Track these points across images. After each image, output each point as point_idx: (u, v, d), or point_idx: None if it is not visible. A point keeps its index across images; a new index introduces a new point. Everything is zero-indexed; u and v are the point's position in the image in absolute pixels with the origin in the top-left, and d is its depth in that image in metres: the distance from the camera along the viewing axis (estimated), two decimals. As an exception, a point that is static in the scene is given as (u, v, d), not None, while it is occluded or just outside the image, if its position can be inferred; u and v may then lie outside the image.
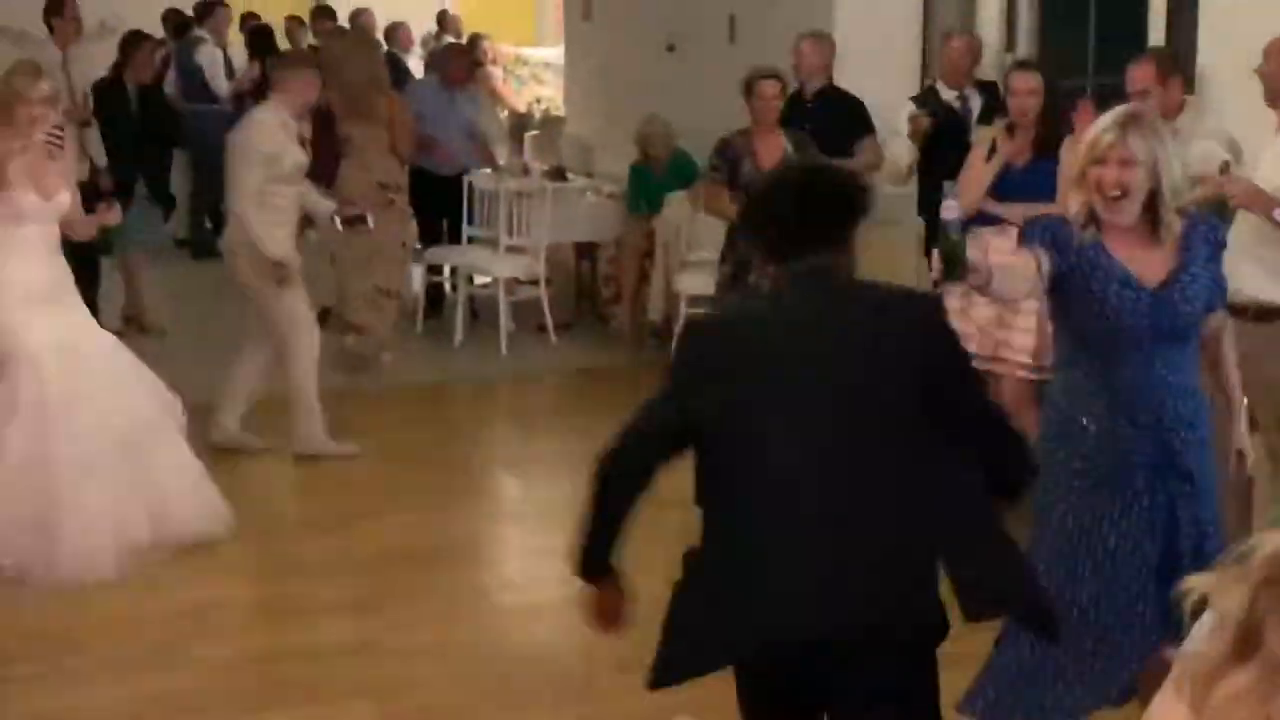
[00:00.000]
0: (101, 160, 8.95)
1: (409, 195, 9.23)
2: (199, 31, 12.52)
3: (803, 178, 3.41)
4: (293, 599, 5.74)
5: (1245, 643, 1.61)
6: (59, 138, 5.93)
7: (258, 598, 5.87)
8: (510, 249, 9.43)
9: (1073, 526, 3.74)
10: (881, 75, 8.22)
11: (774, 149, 6.92)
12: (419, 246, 10.10)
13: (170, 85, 12.21)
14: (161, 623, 5.40)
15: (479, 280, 9.83)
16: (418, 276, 10.21)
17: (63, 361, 5.79)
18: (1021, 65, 6.50)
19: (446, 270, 10.10)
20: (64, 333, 5.86)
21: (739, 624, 3.06)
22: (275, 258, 6.89)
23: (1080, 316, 3.74)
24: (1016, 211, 5.94)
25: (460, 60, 10.48)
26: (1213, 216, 4.26)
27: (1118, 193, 3.60)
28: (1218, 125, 5.87)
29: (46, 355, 5.76)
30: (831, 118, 7.62)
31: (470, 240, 9.83)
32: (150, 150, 9.66)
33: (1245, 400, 4.28)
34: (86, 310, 6.19)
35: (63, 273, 5.98)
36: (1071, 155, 5.98)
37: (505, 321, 9.29)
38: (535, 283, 9.53)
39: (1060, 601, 3.59)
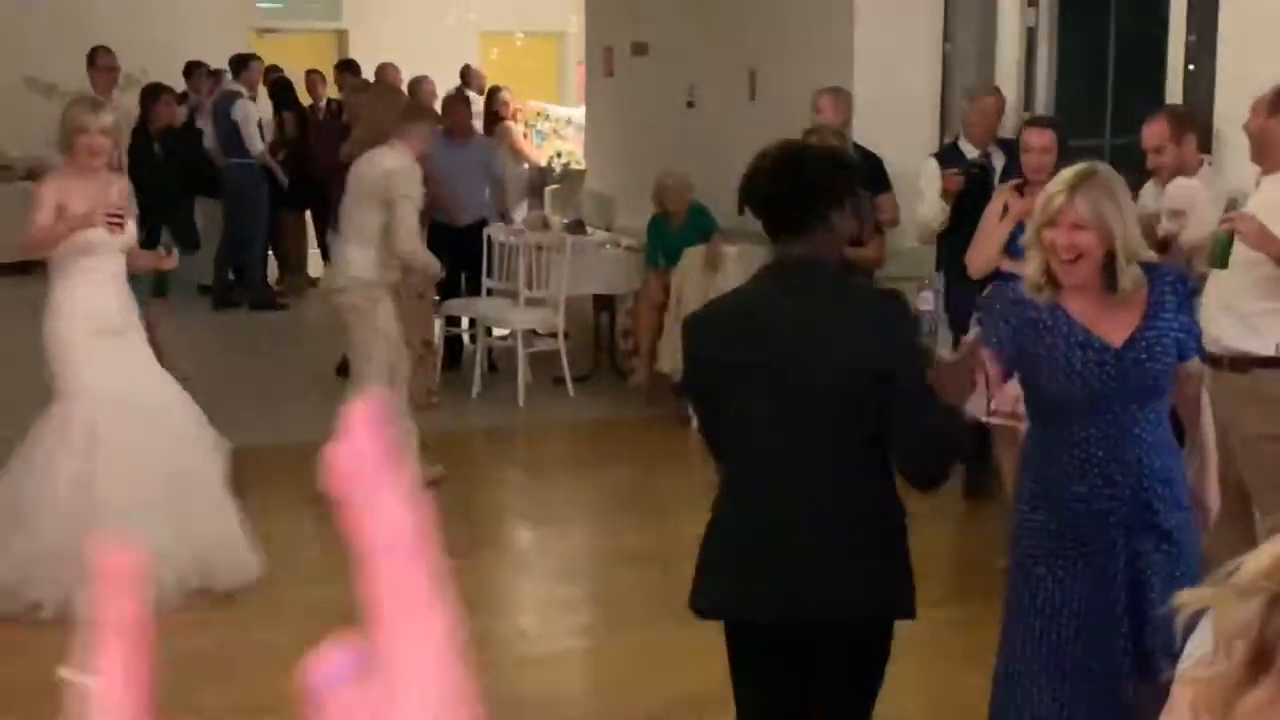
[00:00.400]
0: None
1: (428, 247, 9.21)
2: (235, 86, 12.69)
3: (781, 158, 3.66)
4: (305, 646, 5.67)
5: (1258, 660, 1.57)
6: (119, 218, 5.84)
7: (269, 643, 5.83)
8: (529, 301, 9.44)
9: (1052, 586, 3.68)
10: (899, 131, 8.23)
11: None
12: (437, 298, 10.13)
13: (209, 139, 12.40)
14: (170, 667, 5.36)
15: (497, 332, 9.84)
16: (436, 328, 10.23)
17: (117, 397, 5.81)
18: (1035, 122, 6.53)
19: (465, 322, 10.12)
20: (124, 367, 5.89)
21: (716, 593, 3.58)
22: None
23: (1045, 382, 3.71)
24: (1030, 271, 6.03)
25: (459, 110, 10.45)
26: (1179, 265, 4.37)
27: (1070, 256, 3.58)
28: (1231, 185, 5.88)
29: (102, 389, 5.78)
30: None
31: (489, 292, 9.84)
32: (173, 196, 9.74)
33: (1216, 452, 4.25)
34: (148, 346, 6.16)
35: (128, 305, 6.00)
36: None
37: (523, 373, 9.27)
38: (554, 335, 9.53)
39: (1034, 661, 3.66)
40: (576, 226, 10.23)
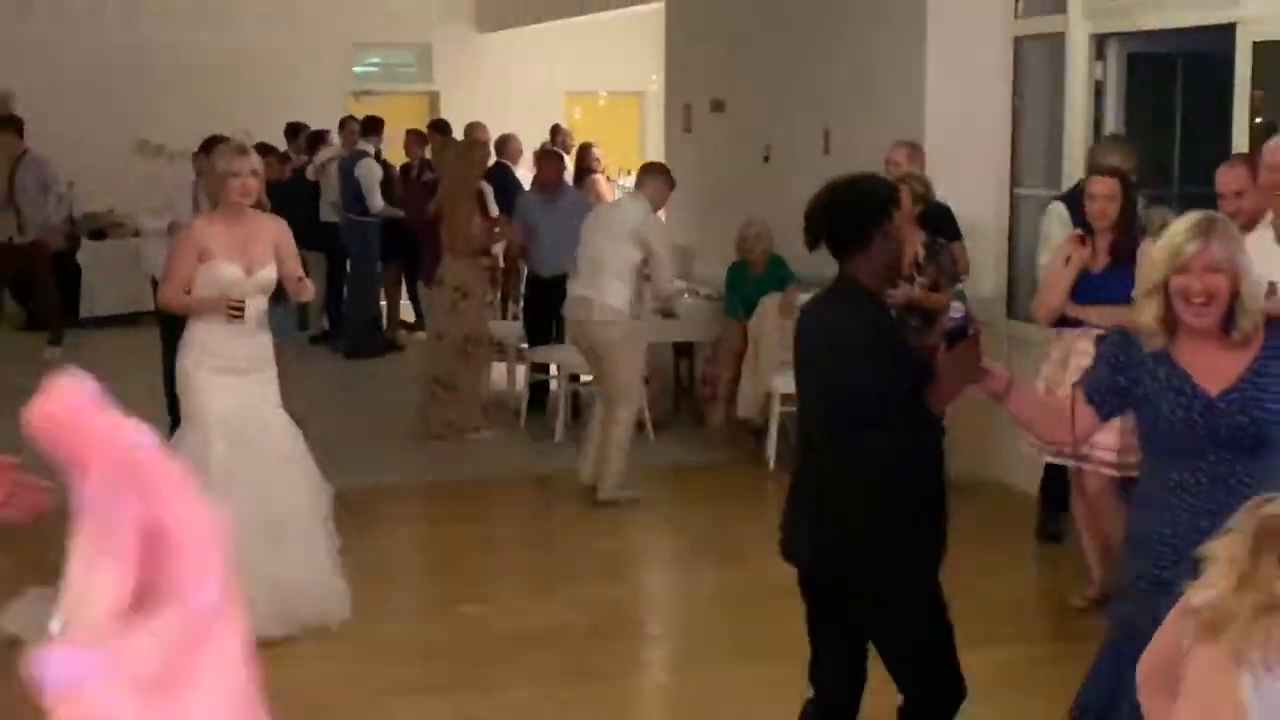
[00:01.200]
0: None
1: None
2: (364, 145, 12.89)
3: (824, 193, 4.09)
4: (392, 680, 5.76)
5: (1245, 577, 1.79)
6: (239, 309, 5.82)
7: (359, 675, 5.87)
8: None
9: (1138, 622, 3.55)
10: (969, 184, 8.23)
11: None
12: (524, 345, 10.22)
13: (331, 193, 12.66)
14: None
15: (582, 378, 9.82)
16: (522, 374, 10.31)
17: (234, 438, 5.83)
18: (1098, 170, 6.44)
19: (553, 368, 10.11)
20: (246, 409, 5.91)
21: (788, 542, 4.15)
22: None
23: (1147, 426, 3.71)
24: (1094, 314, 6.00)
25: (551, 165, 10.59)
26: None
27: (1203, 299, 3.52)
28: None
29: (221, 428, 5.82)
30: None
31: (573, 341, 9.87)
32: None
33: None
34: (276, 388, 6.14)
35: (262, 347, 6.03)
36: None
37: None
38: None
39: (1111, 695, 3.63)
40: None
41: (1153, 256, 3.75)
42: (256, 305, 5.87)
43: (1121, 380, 3.68)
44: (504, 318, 11.04)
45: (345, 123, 13.44)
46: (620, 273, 7.89)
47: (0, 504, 3.10)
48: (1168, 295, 3.56)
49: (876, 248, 3.96)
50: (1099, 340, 5.91)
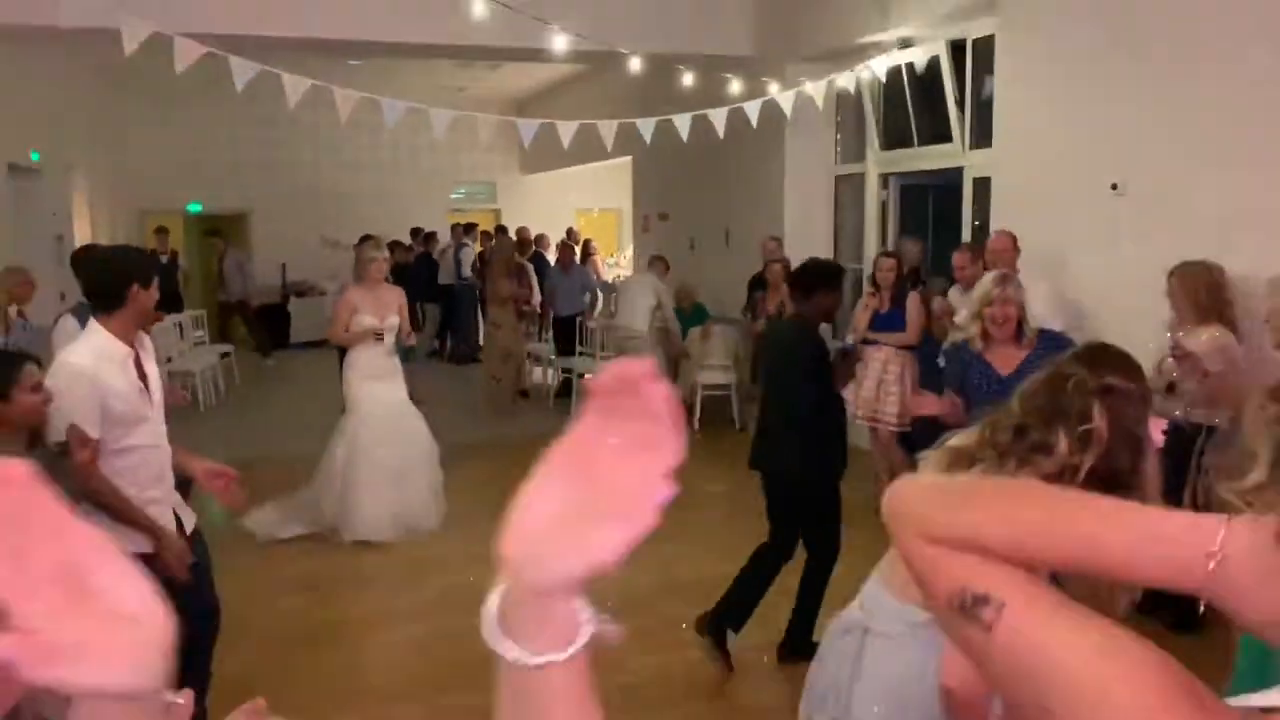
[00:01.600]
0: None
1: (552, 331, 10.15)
2: (466, 239, 12.97)
3: (805, 264, 4.34)
4: (474, 552, 5.71)
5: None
6: (381, 335, 5.81)
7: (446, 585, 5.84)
8: (603, 358, 9.45)
9: None
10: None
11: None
12: (553, 356, 10.21)
13: (447, 267, 12.73)
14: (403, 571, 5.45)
15: (588, 376, 9.80)
16: (553, 374, 10.29)
17: (377, 415, 5.79)
18: (885, 254, 6.49)
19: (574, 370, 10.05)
20: (384, 398, 5.84)
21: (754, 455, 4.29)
22: None
23: (967, 394, 3.66)
24: (882, 338, 6.05)
25: (567, 251, 10.64)
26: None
27: (1003, 320, 3.60)
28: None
29: (369, 411, 5.79)
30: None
31: (582, 353, 9.89)
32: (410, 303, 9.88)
33: None
34: (403, 387, 6.01)
35: (391, 363, 5.89)
36: (915, 305, 6.01)
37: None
38: None
39: None
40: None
41: (973, 296, 3.78)
42: (386, 341, 5.82)
43: (958, 371, 3.72)
44: (540, 341, 10.94)
45: (454, 227, 13.47)
46: (643, 312, 8.64)
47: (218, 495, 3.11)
48: (984, 320, 3.63)
49: (819, 298, 4.12)
50: (887, 353, 5.97)
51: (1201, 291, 4.36)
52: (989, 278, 3.77)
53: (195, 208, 14.68)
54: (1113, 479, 1.73)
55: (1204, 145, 4.65)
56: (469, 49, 7.67)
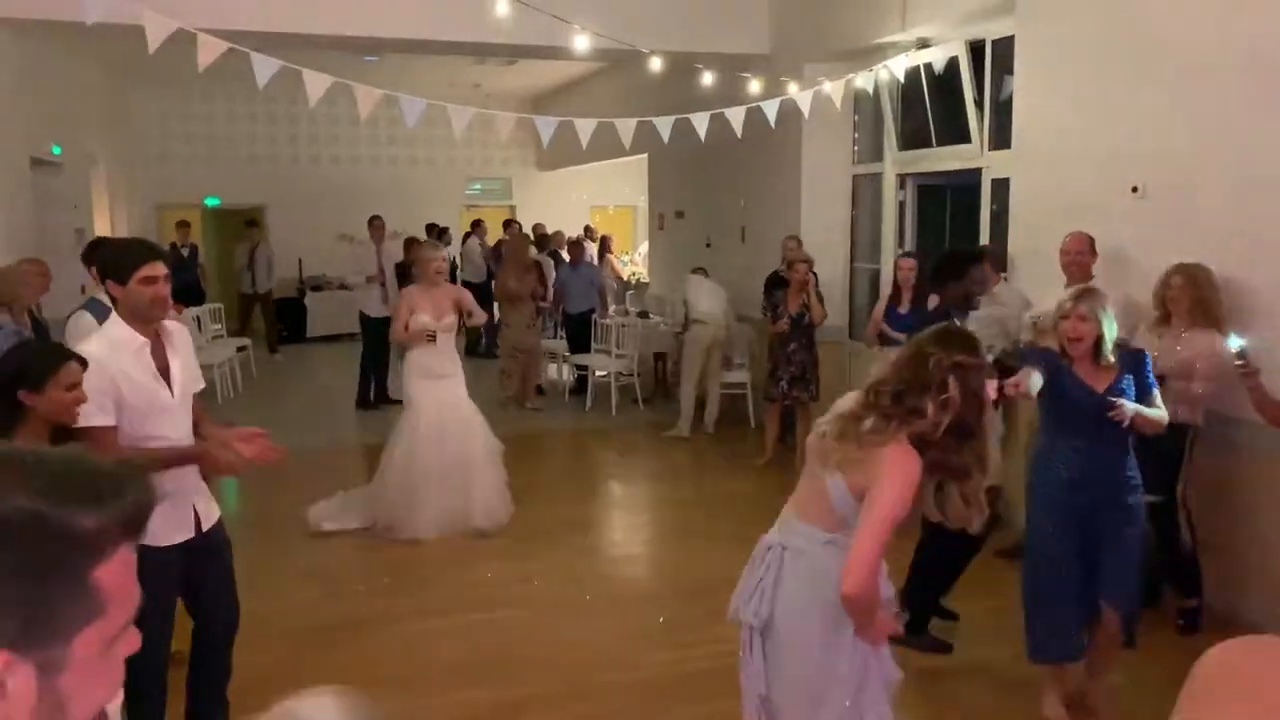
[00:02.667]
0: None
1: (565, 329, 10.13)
2: (474, 235, 12.99)
3: (940, 254, 4.57)
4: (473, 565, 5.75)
5: None
6: (434, 337, 5.80)
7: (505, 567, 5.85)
8: (617, 355, 9.48)
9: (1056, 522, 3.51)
10: (828, 258, 8.12)
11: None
12: (567, 354, 10.23)
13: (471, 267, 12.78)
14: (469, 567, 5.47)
15: (600, 372, 9.82)
16: (568, 370, 10.31)
17: (437, 413, 5.79)
18: (905, 254, 6.48)
19: (588, 367, 10.06)
20: (442, 396, 5.82)
21: None
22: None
23: (1057, 398, 3.49)
24: (902, 338, 5.98)
25: (578, 248, 10.61)
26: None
27: (1078, 338, 3.39)
28: (1018, 289, 5.81)
29: (428, 408, 5.78)
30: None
31: (596, 350, 9.90)
32: None
33: None
34: (463, 385, 5.94)
35: (450, 361, 5.86)
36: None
37: (614, 396, 9.33)
38: (631, 374, 9.54)
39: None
40: (643, 314, 10.30)
41: (1053, 309, 3.55)
42: (445, 338, 5.81)
43: (1041, 368, 3.43)
44: (555, 338, 10.95)
45: (479, 224, 13.62)
46: (724, 304, 8.45)
47: (252, 457, 3.04)
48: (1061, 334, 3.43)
49: (950, 289, 4.35)
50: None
51: (1206, 289, 4.36)
52: (1069, 293, 3.53)
53: (213, 201, 14.75)
54: (963, 431, 2.36)
55: (1225, 148, 4.62)
56: (491, 46, 7.68)
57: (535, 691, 3.94)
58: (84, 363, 2.85)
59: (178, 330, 3.20)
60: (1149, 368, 3.53)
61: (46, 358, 2.83)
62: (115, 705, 0.69)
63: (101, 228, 10.37)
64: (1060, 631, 3.55)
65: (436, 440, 5.72)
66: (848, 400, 2.48)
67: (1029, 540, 3.67)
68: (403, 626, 4.60)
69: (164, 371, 3.07)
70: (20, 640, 0.72)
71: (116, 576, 0.77)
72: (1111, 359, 3.42)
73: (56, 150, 8.87)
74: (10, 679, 0.71)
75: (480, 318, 6.22)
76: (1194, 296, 4.40)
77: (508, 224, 13.20)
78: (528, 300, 9.43)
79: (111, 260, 3.07)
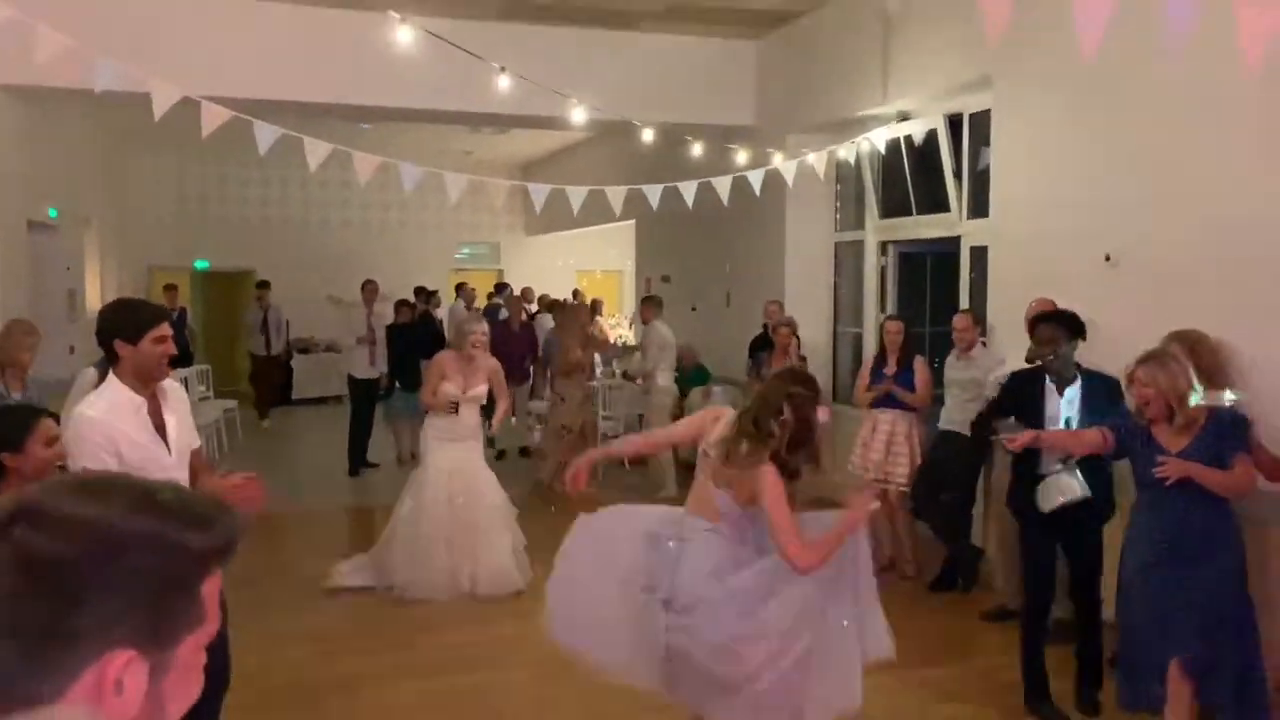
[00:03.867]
0: (384, 368, 9.28)
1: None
2: (498, 300, 12.68)
3: (1046, 315, 4.37)
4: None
5: None
6: (456, 407, 5.78)
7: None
8: (604, 418, 9.49)
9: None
10: (812, 322, 8.24)
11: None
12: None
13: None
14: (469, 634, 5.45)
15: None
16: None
17: (452, 473, 5.78)
18: (891, 318, 6.56)
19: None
20: (458, 457, 5.81)
21: None
22: None
23: (1133, 462, 3.62)
24: (900, 394, 6.06)
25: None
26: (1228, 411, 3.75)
27: (1143, 402, 3.51)
28: (995, 353, 5.89)
29: (443, 468, 5.77)
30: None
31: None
32: (410, 359, 9.84)
33: None
34: (479, 447, 5.96)
35: (469, 428, 5.86)
36: (922, 368, 6.04)
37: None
38: (618, 436, 9.48)
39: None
40: (628, 377, 10.25)
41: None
42: (469, 408, 5.83)
43: (1120, 430, 3.63)
44: (540, 399, 10.83)
45: (459, 286, 13.40)
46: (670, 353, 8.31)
47: (237, 503, 3.14)
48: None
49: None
50: (894, 416, 5.99)
51: (1205, 357, 4.27)
52: (1138, 358, 3.60)
53: (202, 265, 14.86)
54: (799, 445, 3.16)
55: (1195, 218, 4.80)
56: (491, 117, 7.90)
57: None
58: (55, 417, 2.91)
59: (173, 389, 3.25)
60: (1232, 426, 3.53)
61: (21, 417, 2.88)
62: None
63: (93, 289, 10.45)
64: (1144, 680, 3.59)
65: (445, 500, 5.71)
66: (723, 425, 3.25)
67: (1121, 592, 3.74)
68: (395, 686, 4.58)
69: (160, 430, 3.13)
70: (143, 642, 0.83)
71: (212, 592, 0.88)
72: (1191, 415, 3.47)
73: (53, 213, 8.98)
74: (128, 678, 0.81)
75: (504, 409, 6.07)
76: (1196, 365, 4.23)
77: (500, 287, 13.27)
78: (587, 372, 8.66)
79: (126, 319, 3.14)
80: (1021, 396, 4.19)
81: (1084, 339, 4.23)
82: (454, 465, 5.78)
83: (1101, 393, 4.09)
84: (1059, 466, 3.95)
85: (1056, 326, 4.17)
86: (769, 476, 3.07)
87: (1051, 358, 4.15)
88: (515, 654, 4.93)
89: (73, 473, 0.99)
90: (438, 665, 4.81)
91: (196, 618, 0.87)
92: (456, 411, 5.76)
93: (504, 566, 5.80)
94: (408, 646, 5.07)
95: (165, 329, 3.09)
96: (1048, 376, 4.16)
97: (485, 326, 6.10)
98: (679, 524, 3.30)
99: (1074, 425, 4.05)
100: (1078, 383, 4.15)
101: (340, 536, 6.64)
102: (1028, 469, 4.09)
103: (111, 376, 3.12)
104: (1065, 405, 4.13)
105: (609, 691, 4.51)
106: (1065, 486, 3.92)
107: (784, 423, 3.12)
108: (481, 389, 5.85)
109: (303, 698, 4.41)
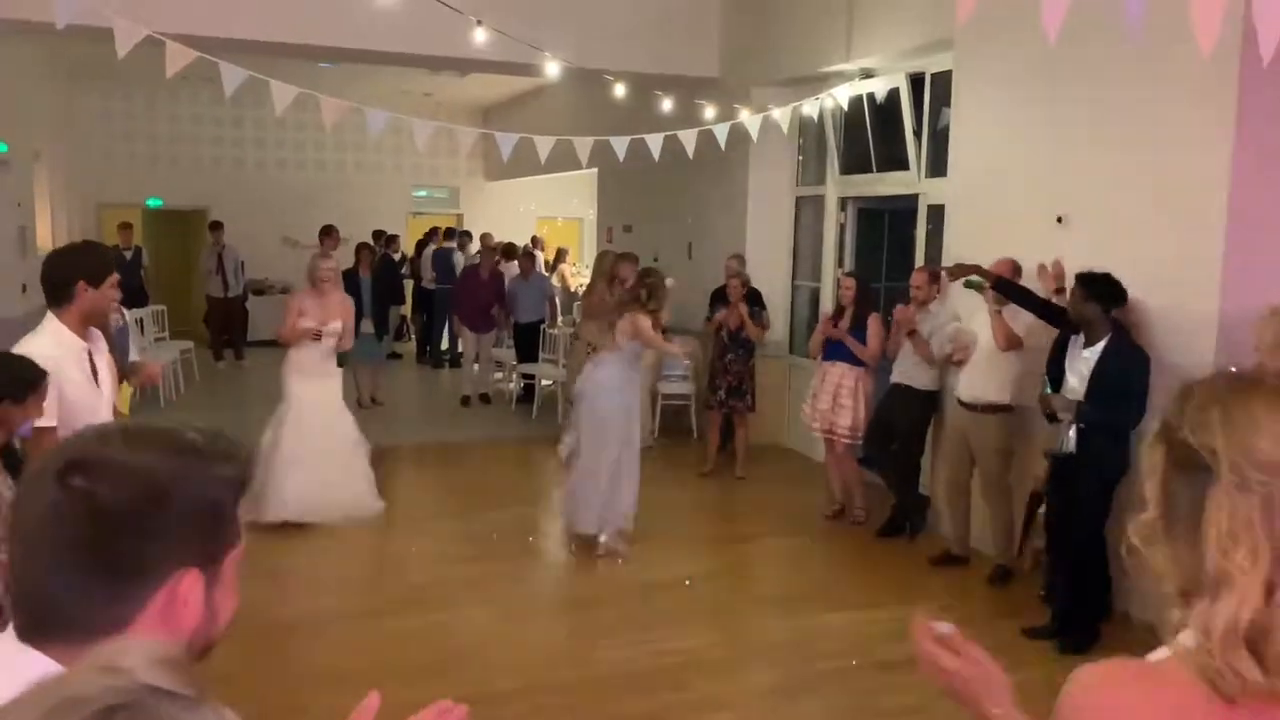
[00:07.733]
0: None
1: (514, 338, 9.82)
2: (451, 244, 12.87)
3: (1081, 279, 4.66)
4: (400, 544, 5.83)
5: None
6: (319, 335, 6.08)
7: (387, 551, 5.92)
8: (563, 365, 9.50)
9: None
10: (771, 277, 8.37)
11: None
12: (515, 362, 10.27)
13: (426, 270, 12.59)
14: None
15: (546, 382, 9.88)
16: (515, 379, 10.37)
17: (310, 405, 6.06)
18: (846, 274, 6.69)
19: (535, 376, 10.06)
20: (316, 394, 6.10)
21: None
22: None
23: None
24: (847, 341, 6.24)
25: (528, 260, 10.67)
26: None
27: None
28: (951, 308, 6.08)
29: (303, 401, 6.06)
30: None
31: (544, 360, 9.97)
32: (377, 307, 9.82)
33: None
34: (338, 388, 6.32)
35: (326, 362, 6.18)
36: (875, 325, 6.18)
37: (561, 405, 9.41)
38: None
39: None
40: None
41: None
42: (326, 342, 6.10)
43: None
44: (502, 347, 10.88)
45: (431, 231, 13.41)
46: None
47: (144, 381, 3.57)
48: None
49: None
50: (843, 369, 6.15)
51: None
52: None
53: (155, 203, 14.55)
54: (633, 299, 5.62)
55: (1144, 182, 4.98)
56: (461, 62, 7.81)
57: (491, 690, 4.05)
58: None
59: (97, 335, 3.31)
60: None
61: (37, 372, 2.91)
62: None
63: (43, 227, 10.21)
64: None
65: (303, 431, 6.01)
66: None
67: None
68: (355, 625, 4.69)
69: (94, 374, 3.21)
70: (202, 561, 0.95)
71: (240, 515, 1.02)
72: None
73: (3, 147, 8.75)
74: (191, 593, 0.93)
75: (347, 343, 6.33)
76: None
77: (450, 232, 13.15)
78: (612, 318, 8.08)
79: (94, 261, 3.17)
80: (1061, 341, 4.68)
81: (1116, 305, 4.55)
82: (313, 398, 6.08)
83: (1114, 359, 4.40)
84: (1067, 417, 4.49)
85: (1082, 287, 4.56)
86: (633, 317, 5.43)
87: (1073, 313, 4.60)
88: (477, 594, 5.06)
89: (110, 424, 1.11)
90: (404, 604, 4.92)
91: (235, 535, 1.00)
92: (319, 339, 6.03)
93: (361, 493, 6.20)
94: (372, 587, 5.18)
95: (117, 275, 3.22)
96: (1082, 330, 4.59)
97: (333, 263, 6.46)
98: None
99: (1084, 378, 4.46)
100: (1102, 343, 4.50)
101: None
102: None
103: (52, 317, 3.13)
104: (1083, 360, 4.53)
105: (574, 630, 4.69)
106: (1060, 438, 4.57)
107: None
108: (336, 323, 6.14)
109: (271, 639, 4.49)
